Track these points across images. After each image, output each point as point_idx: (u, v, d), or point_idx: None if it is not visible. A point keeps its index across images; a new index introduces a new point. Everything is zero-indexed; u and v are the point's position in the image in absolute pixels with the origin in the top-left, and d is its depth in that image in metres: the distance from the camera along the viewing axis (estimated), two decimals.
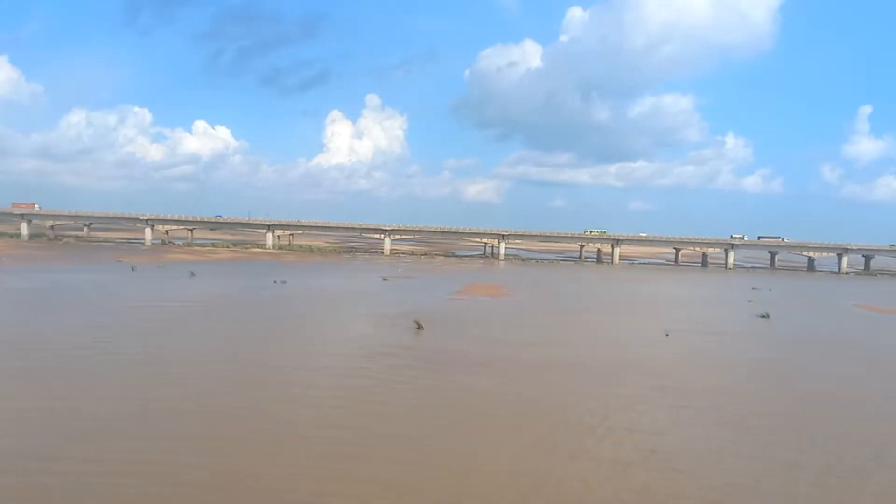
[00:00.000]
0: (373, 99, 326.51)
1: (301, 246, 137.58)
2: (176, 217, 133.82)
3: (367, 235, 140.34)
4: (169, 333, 34.74)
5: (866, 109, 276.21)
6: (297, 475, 16.13)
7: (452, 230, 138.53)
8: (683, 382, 27.87)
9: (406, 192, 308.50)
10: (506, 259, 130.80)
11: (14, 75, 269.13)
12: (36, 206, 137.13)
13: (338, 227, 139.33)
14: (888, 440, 20.87)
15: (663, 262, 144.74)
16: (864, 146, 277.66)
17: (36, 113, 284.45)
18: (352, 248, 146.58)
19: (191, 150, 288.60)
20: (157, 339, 32.81)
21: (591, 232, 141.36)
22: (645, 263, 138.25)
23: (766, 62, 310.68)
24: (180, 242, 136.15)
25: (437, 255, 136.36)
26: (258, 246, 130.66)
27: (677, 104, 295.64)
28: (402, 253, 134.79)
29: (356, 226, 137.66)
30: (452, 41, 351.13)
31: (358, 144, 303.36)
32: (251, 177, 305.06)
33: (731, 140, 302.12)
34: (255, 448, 17.86)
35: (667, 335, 40.92)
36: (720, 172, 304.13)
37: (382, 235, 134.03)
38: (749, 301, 64.42)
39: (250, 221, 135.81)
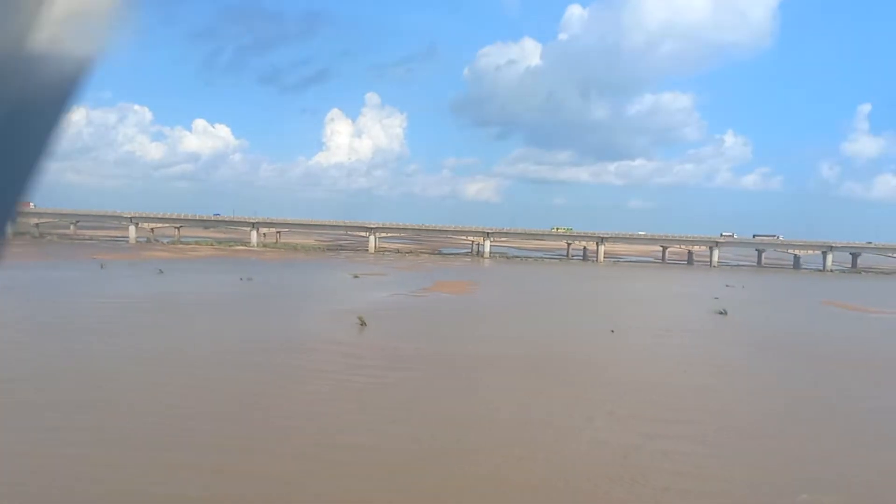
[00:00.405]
0: (372, 97, 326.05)
1: (287, 244, 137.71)
2: (160, 215, 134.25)
3: (354, 233, 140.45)
4: (100, 329, 34.89)
5: (865, 107, 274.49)
6: (166, 467, 16.27)
7: (438, 228, 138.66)
8: (596, 377, 27.94)
9: (406, 190, 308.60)
10: (491, 257, 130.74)
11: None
12: (31, 204, 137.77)
13: (324, 225, 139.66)
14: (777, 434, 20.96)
15: (651, 259, 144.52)
16: (863, 144, 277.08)
17: None
18: (340, 245, 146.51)
19: (191, 148, 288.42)
20: (83, 334, 32.95)
21: (557, 229, 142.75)
22: (632, 261, 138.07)
23: (766, 60, 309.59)
24: (167, 240, 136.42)
25: (424, 252, 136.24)
26: (244, 244, 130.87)
27: (676, 102, 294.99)
28: (390, 251, 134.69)
29: (342, 224, 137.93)
30: (452, 39, 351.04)
31: (358, 143, 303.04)
32: (251, 175, 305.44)
33: (730, 138, 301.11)
34: (130, 439, 18.01)
35: (612, 331, 41.00)
36: (719, 171, 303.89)
37: (368, 233, 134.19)
38: (716, 298, 64.36)
39: (234, 219, 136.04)
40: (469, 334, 38.44)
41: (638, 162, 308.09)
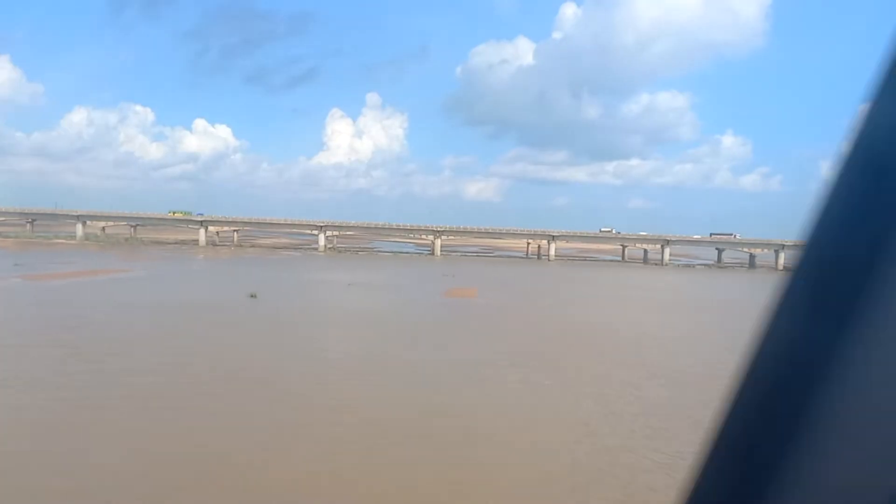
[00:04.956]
0: (373, 97, 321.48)
1: (136, 238, 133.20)
2: None
3: (190, 227, 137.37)
4: None
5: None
6: None
7: (270, 221, 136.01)
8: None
9: (405, 190, 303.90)
10: (325, 251, 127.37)
11: (15, 75, 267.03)
12: None
13: (151, 218, 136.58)
14: None
15: (520, 257, 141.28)
16: None
17: (37, 112, 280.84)
18: (195, 241, 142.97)
19: (191, 148, 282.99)
20: None
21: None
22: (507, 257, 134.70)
23: (761, 60, 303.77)
24: (12, 235, 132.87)
25: (266, 247, 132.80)
26: (70, 238, 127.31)
27: (671, 102, 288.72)
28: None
29: (169, 217, 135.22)
30: (444, 38, 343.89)
31: (358, 143, 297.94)
32: (251, 175, 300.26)
33: (729, 138, 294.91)
34: None
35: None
36: (718, 171, 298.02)
37: (199, 226, 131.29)
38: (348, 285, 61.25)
39: (58, 212, 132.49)
40: None
41: (633, 161, 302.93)
